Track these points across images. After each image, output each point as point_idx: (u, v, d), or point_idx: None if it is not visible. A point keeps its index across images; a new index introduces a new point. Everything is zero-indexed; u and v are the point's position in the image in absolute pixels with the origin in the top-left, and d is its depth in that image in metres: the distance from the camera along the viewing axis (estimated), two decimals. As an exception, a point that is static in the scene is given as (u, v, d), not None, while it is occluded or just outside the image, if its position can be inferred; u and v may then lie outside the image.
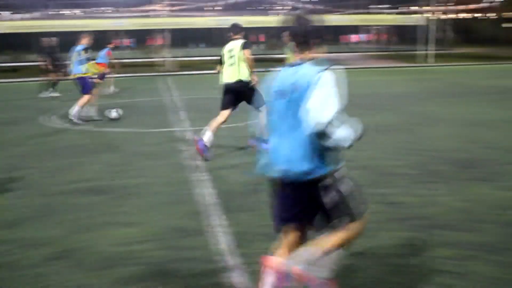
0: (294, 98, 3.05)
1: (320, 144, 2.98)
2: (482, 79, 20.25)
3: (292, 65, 3.19)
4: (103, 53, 16.14)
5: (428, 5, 32.49)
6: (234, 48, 8.03)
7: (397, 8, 43.36)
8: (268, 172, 3.28)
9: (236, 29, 8.18)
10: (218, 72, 8.40)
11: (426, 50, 30.56)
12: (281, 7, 49.16)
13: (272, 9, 46.80)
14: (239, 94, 8.07)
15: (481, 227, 4.85)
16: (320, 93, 2.93)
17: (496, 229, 4.79)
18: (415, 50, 31.74)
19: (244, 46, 7.94)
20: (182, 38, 47.21)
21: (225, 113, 8.08)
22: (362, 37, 53.58)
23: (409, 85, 18.32)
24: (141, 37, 48.92)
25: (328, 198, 3.11)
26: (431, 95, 15.00)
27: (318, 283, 3.21)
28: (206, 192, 6.12)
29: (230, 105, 8.10)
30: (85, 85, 11.73)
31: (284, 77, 3.17)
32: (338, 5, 47.12)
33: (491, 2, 42.94)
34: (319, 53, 3.20)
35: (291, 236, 3.35)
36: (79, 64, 11.64)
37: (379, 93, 15.79)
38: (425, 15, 32.22)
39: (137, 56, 36.53)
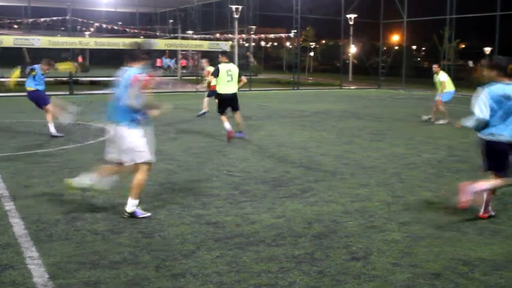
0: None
1: None
2: (284, 103, 21.75)
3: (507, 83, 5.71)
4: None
5: (233, 33, 34.10)
6: (232, 69, 11.41)
7: (207, 34, 44.85)
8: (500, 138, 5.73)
9: (226, 54, 12.12)
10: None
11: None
12: (85, 28, 47.98)
13: (77, 30, 45.37)
14: (231, 102, 11.49)
15: (293, 240, 5.19)
16: None
17: (305, 242, 5.15)
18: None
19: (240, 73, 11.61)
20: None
21: (224, 117, 11.57)
22: (168, 62, 53.29)
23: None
24: None
25: None
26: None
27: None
28: (13, 222, 5.66)
29: (225, 109, 11.59)
30: None
31: (504, 88, 5.68)
32: (148, 29, 47.32)
33: (289, 33, 46.60)
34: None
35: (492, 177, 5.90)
36: None
37: (188, 117, 16.04)
38: (230, 42, 33.70)
39: None
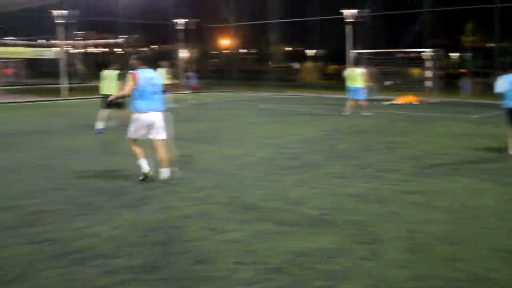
0: None
1: None
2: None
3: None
4: None
5: (59, 39, 32.42)
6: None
7: (34, 40, 42.09)
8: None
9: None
10: None
11: (66, 83, 30.40)
12: None
13: None
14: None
15: (132, 250, 5.04)
16: None
17: (146, 251, 5.03)
18: (53, 84, 31.29)
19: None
20: None
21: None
22: None
23: (48, 119, 17.87)
24: None
25: None
26: (71, 128, 14.97)
27: None
28: None
29: None
30: None
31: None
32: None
33: (117, 39, 45.62)
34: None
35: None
36: None
37: (18, 130, 14.94)
38: (56, 49, 32.04)
39: None
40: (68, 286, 4.25)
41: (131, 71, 8.03)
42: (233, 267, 4.61)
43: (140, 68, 8.00)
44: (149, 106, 7.89)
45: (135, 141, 8.08)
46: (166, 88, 20.72)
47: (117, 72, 14.47)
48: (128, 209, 6.50)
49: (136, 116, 7.95)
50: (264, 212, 6.35)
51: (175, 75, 23.19)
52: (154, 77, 8.03)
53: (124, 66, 14.45)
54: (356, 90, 18.03)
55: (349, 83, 18.28)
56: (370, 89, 19.28)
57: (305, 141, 12.21)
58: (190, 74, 24.05)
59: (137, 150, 8.08)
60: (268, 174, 8.54)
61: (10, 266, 4.67)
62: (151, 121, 7.90)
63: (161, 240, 5.35)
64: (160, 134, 7.99)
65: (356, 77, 18.03)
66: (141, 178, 7.97)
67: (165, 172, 7.89)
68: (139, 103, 7.89)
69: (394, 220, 6.01)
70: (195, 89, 23.86)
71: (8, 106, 23.92)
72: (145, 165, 8.00)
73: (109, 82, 14.28)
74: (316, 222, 5.93)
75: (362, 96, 18.15)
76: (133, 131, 8.00)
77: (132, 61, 8.10)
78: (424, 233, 5.53)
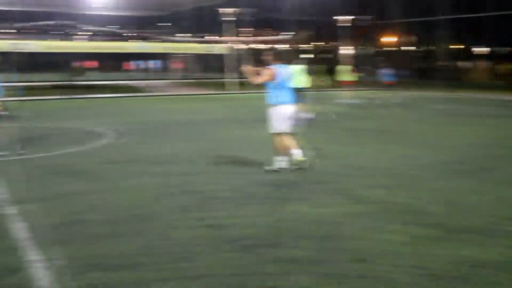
0: None
1: None
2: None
3: None
4: None
5: (234, 35, 34.10)
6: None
7: (203, 37, 44.76)
8: None
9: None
10: None
11: (235, 78, 31.96)
12: (83, 32, 47.83)
13: (75, 34, 45.27)
14: None
15: (300, 242, 5.19)
16: None
17: (313, 244, 5.16)
18: (223, 78, 32.97)
19: None
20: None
21: None
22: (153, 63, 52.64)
23: (218, 112, 18.93)
24: None
25: None
26: (239, 121, 15.67)
27: None
28: (16, 226, 5.65)
29: None
30: None
31: None
32: (144, 32, 47.17)
33: (288, 35, 46.59)
34: None
35: None
36: None
37: (190, 120, 16.04)
38: (230, 44, 33.75)
39: None
40: (235, 270, 4.50)
41: (268, 66, 8.46)
42: (393, 269, 4.54)
43: (276, 64, 8.46)
44: (285, 99, 8.44)
45: (279, 135, 8.49)
46: (346, 85, 21.34)
47: (301, 66, 14.70)
48: (292, 202, 6.69)
49: (274, 109, 8.45)
50: (431, 216, 6.14)
51: (357, 72, 22.98)
52: (289, 72, 8.63)
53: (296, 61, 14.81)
54: None
55: None
56: None
57: (480, 144, 11.48)
58: (385, 71, 23.49)
59: (280, 144, 8.50)
60: (437, 177, 8.21)
61: (184, 246, 5.08)
62: (288, 113, 8.43)
63: (322, 234, 5.44)
64: (295, 125, 8.59)
65: None
66: (271, 169, 8.42)
67: (298, 154, 8.37)
68: (277, 97, 8.44)
69: None
70: (389, 86, 23.27)
71: (181, 98, 25.71)
72: (281, 163, 8.47)
73: (297, 77, 13.96)
74: (487, 231, 5.59)
75: None
76: (274, 125, 8.47)
77: (268, 57, 8.60)
78: None
